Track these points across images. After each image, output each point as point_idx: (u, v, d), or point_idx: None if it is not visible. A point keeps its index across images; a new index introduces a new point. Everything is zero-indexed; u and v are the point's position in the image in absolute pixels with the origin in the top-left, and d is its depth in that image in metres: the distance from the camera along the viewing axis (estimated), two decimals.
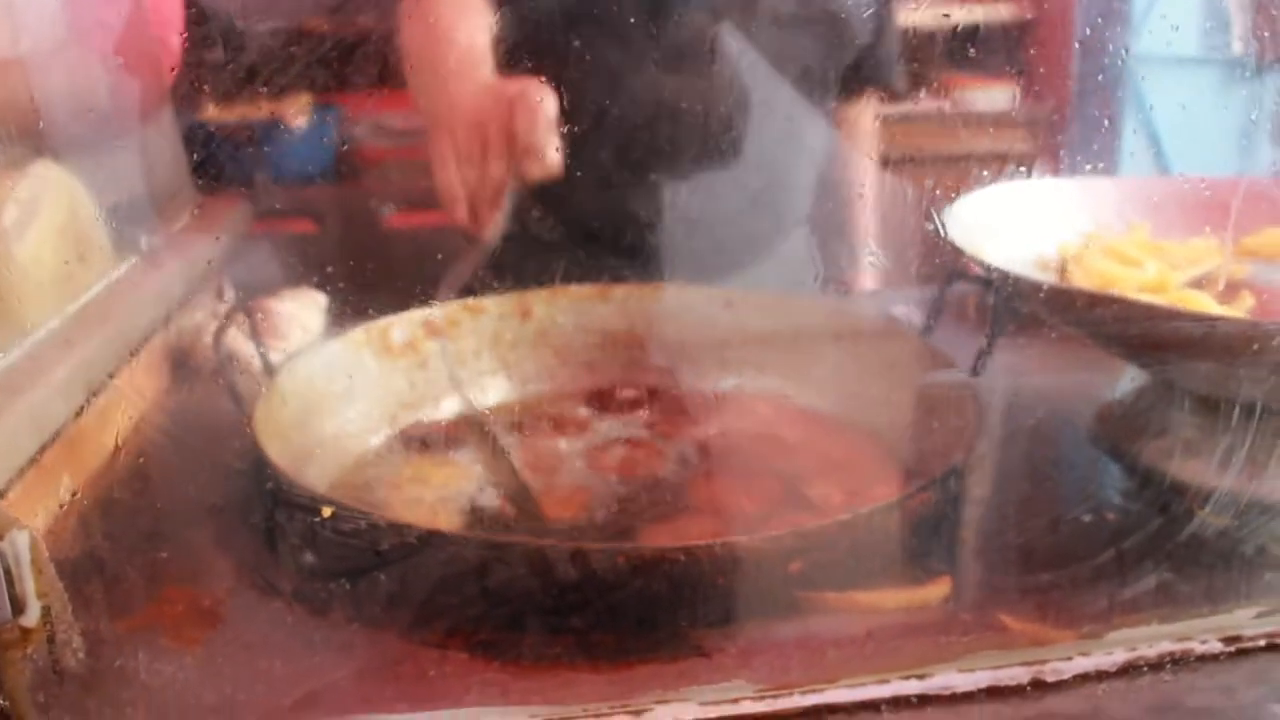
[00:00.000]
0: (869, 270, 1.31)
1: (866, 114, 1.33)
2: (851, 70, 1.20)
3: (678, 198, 1.10)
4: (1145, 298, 0.81)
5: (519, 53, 1.04)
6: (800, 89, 1.17)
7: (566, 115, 0.91)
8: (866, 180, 1.38)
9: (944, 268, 0.91)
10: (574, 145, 0.93)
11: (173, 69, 1.05)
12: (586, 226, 1.11)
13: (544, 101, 0.89)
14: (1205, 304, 0.81)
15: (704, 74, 1.12)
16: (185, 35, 1.05)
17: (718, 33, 1.11)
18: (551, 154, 0.90)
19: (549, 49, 1.07)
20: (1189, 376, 0.79)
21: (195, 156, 1.04)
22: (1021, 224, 0.91)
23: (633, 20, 1.09)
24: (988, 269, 0.81)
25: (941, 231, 0.83)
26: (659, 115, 1.12)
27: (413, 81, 1.04)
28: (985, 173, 0.91)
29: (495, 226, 0.90)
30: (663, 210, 1.10)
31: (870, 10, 1.19)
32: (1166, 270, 0.85)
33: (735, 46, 1.11)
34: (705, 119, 1.12)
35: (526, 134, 0.88)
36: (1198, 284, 0.85)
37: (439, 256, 0.98)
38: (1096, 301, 0.77)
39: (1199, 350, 0.73)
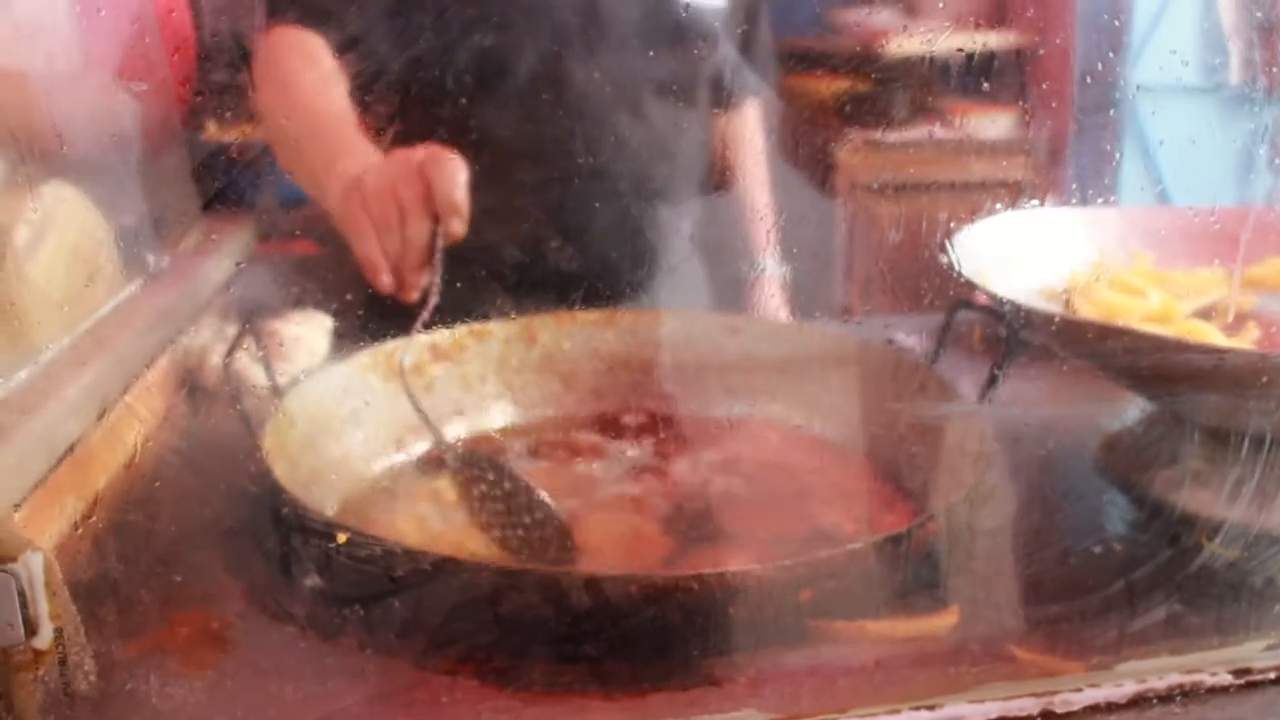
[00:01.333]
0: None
1: (743, 123, 1.35)
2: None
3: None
4: (1154, 329, 0.81)
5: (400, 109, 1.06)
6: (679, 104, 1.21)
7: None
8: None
9: (951, 297, 0.91)
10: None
11: (183, 90, 1.05)
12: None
13: (455, 162, 0.90)
14: (1212, 335, 0.81)
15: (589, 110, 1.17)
16: (196, 57, 1.06)
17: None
18: (467, 207, 0.91)
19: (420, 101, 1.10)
20: (1198, 408, 0.80)
21: (204, 178, 1.04)
22: (1027, 253, 0.92)
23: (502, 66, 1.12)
24: (999, 300, 0.81)
25: (954, 262, 0.83)
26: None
27: (293, 163, 1.05)
28: (996, 204, 0.91)
29: (432, 283, 0.91)
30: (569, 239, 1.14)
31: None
32: (1171, 300, 0.86)
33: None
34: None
35: (447, 195, 0.89)
36: (1204, 315, 0.86)
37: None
38: (1107, 333, 0.77)
39: (1208, 382, 0.74)
